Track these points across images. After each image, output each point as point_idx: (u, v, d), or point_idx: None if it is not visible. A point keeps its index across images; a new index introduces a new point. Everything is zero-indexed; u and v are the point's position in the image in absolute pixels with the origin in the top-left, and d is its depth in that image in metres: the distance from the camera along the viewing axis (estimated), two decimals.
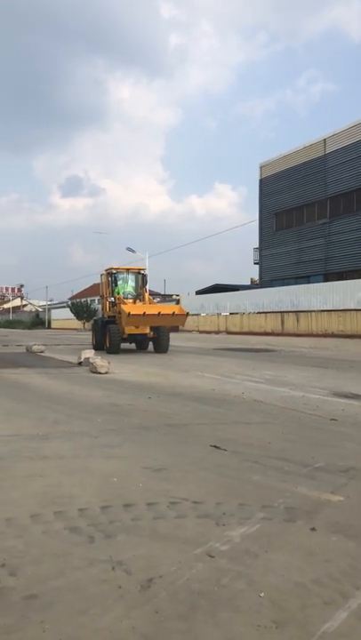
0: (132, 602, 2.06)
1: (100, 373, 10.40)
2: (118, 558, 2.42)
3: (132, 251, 45.68)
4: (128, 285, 18.44)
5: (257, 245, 41.59)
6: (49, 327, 77.59)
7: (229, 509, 3.01)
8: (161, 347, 16.81)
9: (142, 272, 18.76)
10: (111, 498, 3.21)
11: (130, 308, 16.17)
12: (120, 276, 18.37)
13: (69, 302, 75.30)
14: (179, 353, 16.96)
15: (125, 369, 11.44)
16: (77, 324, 65.06)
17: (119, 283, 18.22)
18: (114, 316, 17.35)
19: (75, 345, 22.68)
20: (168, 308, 17.24)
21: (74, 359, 13.34)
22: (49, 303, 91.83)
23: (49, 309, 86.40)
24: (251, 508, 3.04)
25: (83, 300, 70.83)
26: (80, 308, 64.82)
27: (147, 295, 18.23)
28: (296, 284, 34.37)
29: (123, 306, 16.31)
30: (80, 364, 12.34)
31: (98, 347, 17.36)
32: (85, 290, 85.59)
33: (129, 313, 15.44)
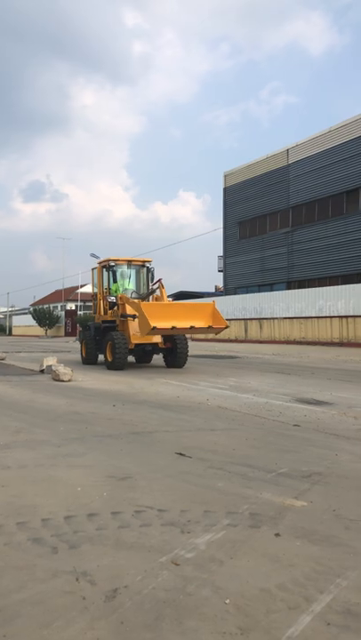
0: (97, 613, 2.04)
1: (62, 381, 10.25)
2: (82, 569, 2.39)
3: (97, 257, 45.24)
4: (130, 282, 15.03)
5: (221, 253, 41.97)
6: (10, 334, 76.21)
7: (195, 516, 3.01)
8: (178, 360, 13.32)
9: (147, 265, 14.98)
10: (75, 507, 3.16)
11: (153, 317, 11.63)
12: (120, 269, 14.77)
13: (31, 309, 74.19)
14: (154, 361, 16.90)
15: (89, 376, 11.32)
16: (40, 330, 64.15)
17: (119, 278, 14.74)
18: (113, 321, 13.76)
19: (37, 352, 22.33)
20: (201, 317, 12.44)
21: (36, 367, 13.13)
22: (10, 310, 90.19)
23: (10, 316, 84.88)
24: (216, 514, 3.04)
25: (45, 306, 69.91)
26: (42, 315, 64.03)
27: (164, 292, 13.93)
28: (260, 291, 34.81)
29: (144, 310, 11.79)
30: (42, 371, 12.15)
31: (89, 360, 14.64)
32: (48, 296, 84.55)
33: (153, 327, 11.26)
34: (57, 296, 73.46)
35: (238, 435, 5.35)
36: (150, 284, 14.77)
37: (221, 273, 42.23)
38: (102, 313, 14.38)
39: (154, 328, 11.31)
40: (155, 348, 13.58)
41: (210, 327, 12.31)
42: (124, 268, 14.92)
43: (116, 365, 12.60)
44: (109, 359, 13.01)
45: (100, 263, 15.04)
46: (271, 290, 33.78)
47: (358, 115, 30.14)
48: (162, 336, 13.10)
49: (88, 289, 66.15)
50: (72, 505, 3.20)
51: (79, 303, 61.40)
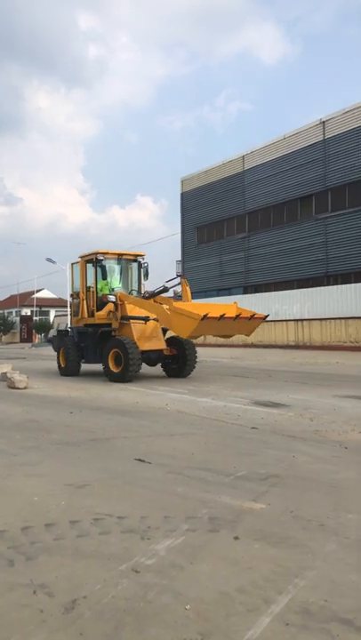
0: (56, 625, 2.00)
1: (18, 389, 10.05)
2: (40, 581, 2.34)
3: (52, 261, 44.70)
4: (119, 279, 13.25)
5: (180, 258, 42.14)
6: None
7: (154, 523, 3.00)
8: (187, 368, 11.86)
9: (140, 259, 13.27)
10: (32, 518, 3.10)
11: (194, 308, 10.69)
12: (109, 264, 12.85)
13: None
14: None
15: (45, 383, 11.13)
16: None
17: (107, 275, 12.86)
18: (108, 324, 11.94)
19: None
20: (229, 308, 11.08)
21: None
22: None
23: None
24: (175, 520, 3.04)
25: None
26: None
27: (188, 291, 12.29)
28: (218, 296, 35.10)
29: (183, 306, 10.64)
30: None
31: (70, 370, 12.77)
32: (2, 302, 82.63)
33: (204, 316, 9.73)
34: (12, 302, 71.92)
35: (197, 439, 5.37)
36: (143, 281, 13.23)
37: (179, 278, 42.32)
38: (86, 315, 12.52)
39: (205, 317, 9.72)
40: (159, 355, 11.89)
41: (253, 317, 10.99)
42: (113, 262, 13.03)
43: (127, 375, 10.80)
44: (115, 370, 11.10)
45: (82, 257, 12.96)
46: (230, 294, 34.11)
47: (311, 123, 30.91)
48: (167, 341, 11.91)
49: (44, 294, 65.07)
50: (29, 515, 3.14)
51: (35, 309, 60.34)
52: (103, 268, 12.75)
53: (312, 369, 14.43)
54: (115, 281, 13.02)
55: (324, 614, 2.05)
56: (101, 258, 12.53)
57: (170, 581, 2.32)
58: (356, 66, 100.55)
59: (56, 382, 11.38)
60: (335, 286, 26.57)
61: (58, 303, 61.66)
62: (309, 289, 26.91)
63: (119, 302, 11.78)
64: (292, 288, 29.73)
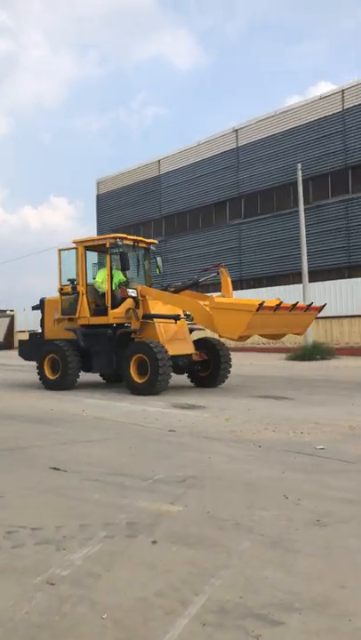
0: None
1: None
2: None
3: None
4: (136, 270, 11.15)
5: (96, 261, 41.65)
6: None
7: (70, 532, 2.93)
8: (220, 374, 10.16)
9: (152, 247, 11.31)
10: None
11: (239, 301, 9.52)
12: (125, 252, 10.20)
13: None
14: (13, 371, 16.18)
15: None
16: None
17: (121, 265, 10.23)
18: (121, 325, 9.93)
19: None
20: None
21: None
22: None
23: None
24: (92, 527, 3.00)
25: None
26: None
27: (229, 282, 10.55)
28: None
29: (223, 299, 9.49)
30: None
31: (67, 383, 10.13)
32: None
33: (260, 305, 8.40)
34: None
35: (115, 444, 5.32)
36: (155, 271, 11.47)
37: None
38: (88, 314, 10.32)
39: (261, 306, 8.31)
40: (187, 361, 9.95)
41: (310, 307, 9.87)
42: (128, 250, 10.52)
43: (157, 389, 9.00)
44: (138, 380, 9.17)
45: (81, 243, 10.68)
46: None
47: (224, 131, 31.78)
48: (195, 344, 10.18)
49: None
50: None
51: None
52: (123, 257, 10.03)
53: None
54: (119, 273, 10.54)
55: (240, 611, 2.10)
56: (121, 243, 10.21)
57: (86, 591, 2.28)
58: (266, 77, 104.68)
59: None
60: (249, 290, 27.46)
61: None
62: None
63: (140, 298, 9.85)
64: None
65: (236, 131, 31.03)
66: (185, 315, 10.00)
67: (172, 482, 3.88)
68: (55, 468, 4.30)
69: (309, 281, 21.35)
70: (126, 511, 3.26)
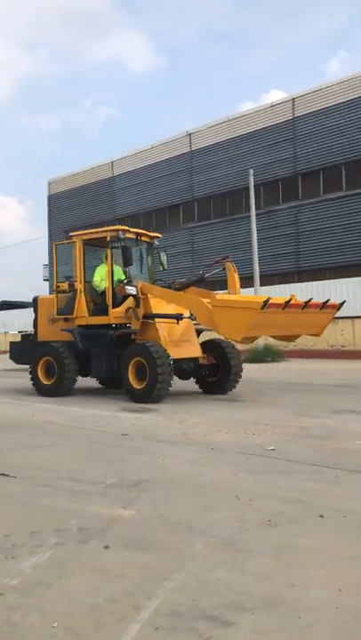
0: None
1: None
2: None
3: None
4: (139, 265, 10.39)
5: (47, 262, 40.98)
6: None
7: (20, 540, 2.86)
8: (230, 380, 9.24)
9: (156, 242, 10.52)
10: None
11: (245, 298, 8.89)
12: (127, 246, 9.39)
13: None
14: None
15: None
16: None
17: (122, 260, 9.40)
18: (121, 325, 9.28)
19: None
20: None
21: None
22: None
23: None
24: (43, 534, 2.93)
25: None
26: None
27: (237, 278, 9.56)
28: None
29: (224, 296, 8.65)
30: None
31: (63, 389, 9.36)
32: None
33: (265, 302, 7.54)
34: None
35: (66, 449, 5.24)
36: (155, 266, 10.48)
37: (47, 282, 41.21)
38: (86, 314, 9.50)
39: (266, 304, 7.45)
40: (193, 365, 9.10)
41: (325, 305, 8.72)
42: (130, 244, 9.71)
43: (156, 396, 8.20)
44: (137, 386, 8.40)
45: (79, 236, 9.93)
46: None
47: (178, 134, 31.94)
48: (202, 346, 9.29)
49: None
50: None
51: None
52: (126, 251, 9.21)
53: None
54: (119, 271, 9.69)
55: (193, 614, 2.10)
56: (123, 236, 9.33)
57: (36, 600, 2.23)
58: (219, 82, 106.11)
59: None
60: None
61: None
62: None
63: (141, 296, 9.03)
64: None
65: (190, 135, 31.25)
66: (190, 314, 9.14)
67: (124, 486, 3.86)
68: (4, 475, 4.19)
69: (260, 285, 21.71)
70: (78, 517, 3.21)
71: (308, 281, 24.10)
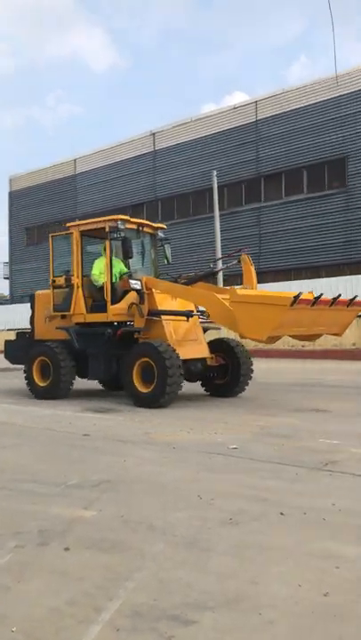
0: None
1: None
2: None
3: None
4: (140, 258, 9.77)
5: (7, 260, 40.20)
6: None
7: None
8: (240, 382, 8.66)
9: (160, 233, 9.75)
10: None
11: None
12: (127, 237, 8.63)
13: None
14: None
15: None
16: None
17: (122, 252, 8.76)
18: (123, 323, 8.70)
19: None
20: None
21: None
22: None
23: None
24: (1, 537, 2.87)
25: None
26: None
27: (253, 271, 8.89)
28: None
29: (248, 292, 8.08)
30: None
31: (59, 391, 8.73)
32: None
33: (295, 297, 6.87)
34: None
35: (26, 450, 5.15)
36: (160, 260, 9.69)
37: (7, 280, 40.46)
38: (84, 310, 8.85)
39: (296, 299, 6.81)
40: (201, 367, 8.45)
41: (353, 301, 8.07)
42: (131, 235, 9.00)
43: (165, 400, 7.53)
44: (142, 389, 7.70)
45: (76, 227, 9.22)
46: None
47: (142, 134, 31.85)
48: (210, 346, 8.60)
49: None
50: None
51: None
52: (126, 243, 8.48)
53: None
54: (120, 264, 9.06)
55: (154, 614, 2.10)
56: (123, 227, 8.56)
57: None
58: (183, 83, 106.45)
59: None
60: None
61: None
62: None
63: (146, 291, 8.35)
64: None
65: (154, 134, 31.21)
66: (198, 311, 8.54)
67: (85, 487, 3.82)
68: None
69: (223, 286, 21.86)
70: (38, 518, 3.16)
71: (268, 282, 24.45)
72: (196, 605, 2.15)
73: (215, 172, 22.56)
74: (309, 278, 22.93)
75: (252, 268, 8.79)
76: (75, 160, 35.23)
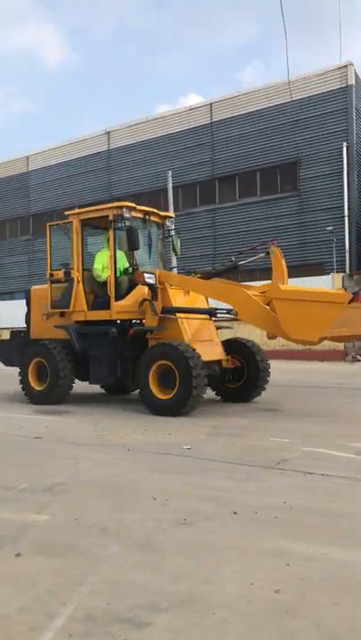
0: None
1: None
2: None
3: None
4: (148, 250, 8.90)
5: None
6: None
7: None
8: (257, 386, 7.89)
9: (168, 223, 8.98)
10: None
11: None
12: (135, 227, 7.86)
13: None
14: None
15: None
16: None
17: (115, 245, 7.99)
18: (129, 321, 8.05)
19: None
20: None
21: None
22: None
23: None
24: None
25: None
26: None
27: (284, 265, 7.91)
28: (1, 299, 33.43)
29: (291, 287, 7.39)
30: None
31: (57, 396, 8.05)
32: None
33: (356, 293, 6.71)
34: None
35: None
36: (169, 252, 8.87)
37: None
38: (85, 308, 8.04)
39: (357, 295, 6.38)
40: (219, 369, 7.67)
41: None
42: (137, 224, 8.19)
43: (190, 406, 6.80)
44: (161, 395, 6.97)
45: (76, 215, 8.33)
46: (12, 299, 32.71)
47: (96, 132, 31.56)
48: (225, 347, 7.82)
49: None
50: None
51: None
52: (132, 233, 7.61)
53: None
54: (123, 256, 8.33)
55: (107, 617, 2.08)
56: (128, 215, 7.71)
57: None
58: (137, 83, 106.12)
59: None
60: None
61: None
62: None
63: (159, 286, 7.52)
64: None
65: (108, 133, 30.97)
66: (217, 309, 7.80)
67: (38, 490, 3.75)
68: None
69: None
70: None
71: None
72: (150, 607, 2.15)
73: (170, 173, 22.59)
74: (264, 280, 23.29)
75: (284, 262, 7.85)
76: (27, 157, 34.54)
